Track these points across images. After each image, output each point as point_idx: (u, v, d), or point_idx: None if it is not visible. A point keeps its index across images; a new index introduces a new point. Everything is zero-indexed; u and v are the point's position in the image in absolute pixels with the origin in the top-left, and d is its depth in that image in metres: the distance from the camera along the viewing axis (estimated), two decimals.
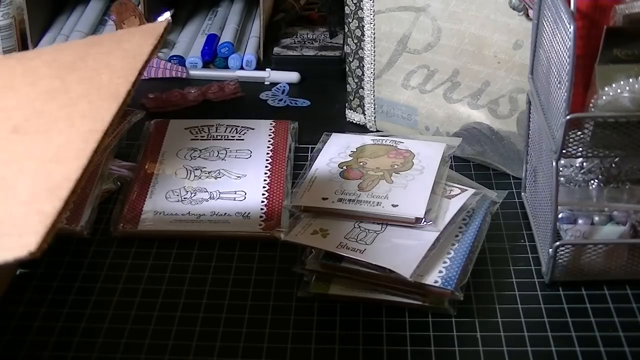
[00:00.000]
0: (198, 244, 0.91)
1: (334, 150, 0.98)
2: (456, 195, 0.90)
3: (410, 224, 0.86)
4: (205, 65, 1.26)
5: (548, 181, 0.82)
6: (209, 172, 1.00)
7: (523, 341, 0.78)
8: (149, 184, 0.98)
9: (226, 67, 1.26)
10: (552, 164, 0.79)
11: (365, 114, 1.11)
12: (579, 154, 0.78)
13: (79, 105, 0.64)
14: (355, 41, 1.07)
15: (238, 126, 1.08)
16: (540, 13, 0.84)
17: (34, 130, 0.62)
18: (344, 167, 0.95)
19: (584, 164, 0.88)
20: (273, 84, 1.22)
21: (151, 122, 1.10)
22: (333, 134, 1.02)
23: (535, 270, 0.86)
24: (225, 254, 0.89)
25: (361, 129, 1.11)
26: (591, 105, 0.76)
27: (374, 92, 1.08)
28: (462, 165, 1.03)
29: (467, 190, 0.91)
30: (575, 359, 0.76)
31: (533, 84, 0.88)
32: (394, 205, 0.88)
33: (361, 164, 0.95)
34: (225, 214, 0.93)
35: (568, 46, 0.73)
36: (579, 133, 0.77)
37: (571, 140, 0.77)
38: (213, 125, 1.08)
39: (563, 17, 0.74)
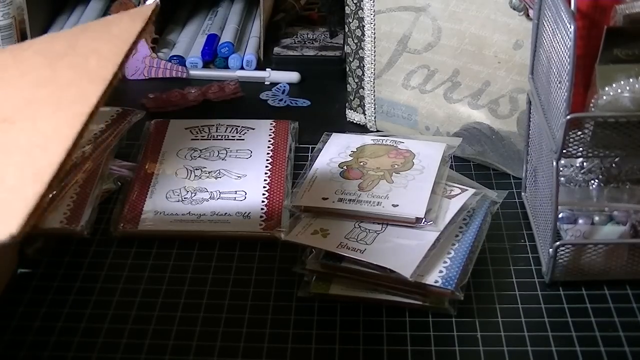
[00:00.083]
0: (198, 244, 0.91)
1: (334, 150, 0.98)
2: (456, 195, 0.90)
3: (410, 223, 0.86)
4: (206, 65, 1.26)
5: (548, 181, 0.82)
6: (209, 172, 1.00)
7: (523, 341, 0.78)
8: (149, 184, 0.98)
9: (226, 67, 1.26)
10: (553, 164, 0.79)
11: (365, 114, 1.11)
12: (579, 154, 0.78)
13: (67, 91, 0.64)
14: (356, 41, 1.07)
15: (238, 126, 1.08)
16: (541, 13, 0.84)
17: (23, 119, 0.63)
18: (344, 167, 0.95)
19: (584, 164, 0.88)
20: (273, 84, 1.22)
21: (151, 122, 1.10)
22: (333, 134, 1.02)
23: (535, 270, 0.86)
24: (226, 254, 0.89)
25: (361, 129, 1.11)
26: (591, 105, 0.76)
27: (374, 92, 1.08)
28: (462, 165, 1.03)
29: (467, 190, 0.91)
30: (575, 359, 0.76)
31: (533, 84, 0.88)
32: (394, 205, 0.88)
33: (361, 164, 0.95)
34: (226, 213, 0.93)
35: (568, 46, 0.73)
36: (579, 133, 0.77)
37: (571, 140, 0.77)
38: (213, 125, 1.08)
39: (563, 17, 0.74)
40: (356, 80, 1.10)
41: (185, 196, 0.96)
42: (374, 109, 1.09)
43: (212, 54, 1.26)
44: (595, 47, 0.76)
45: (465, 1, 0.96)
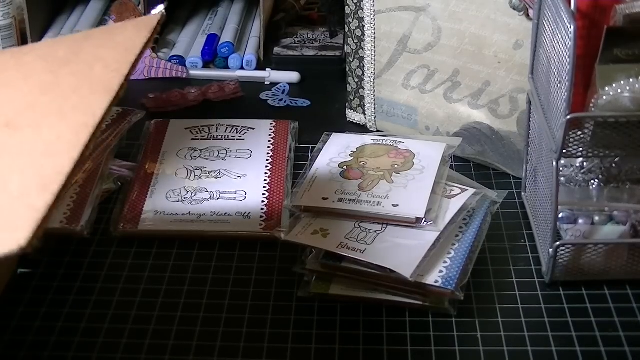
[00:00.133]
0: (198, 244, 0.91)
1: (334, 150, 0.98)
2: (456, 195, 0.90)
3: (410, 223, 0.86)
4: (206, 65, 1.26)
5: (548, 181, 0.82)
6: (209, 172, 1.00)
7: (523, 341, 0.78)
8: (149, 184, 0.98)
9: (226, 67, 1.26)
10: (553, 163, 0.79)
11: (365, 114, 1.11)
12: (579, 154, 0.78)
13: (71, 98, 0.64)
14: (356, 41, 1.07)
15: (238, 126, 1.08)
16: (541, 13, 0.84)
17: (26, 125, 0.62)
18: (344, 167, 0.95)
19: (584, 164, 0.88)
20: (273, 84, 1.22)
21: (151, 122, 1.10)
22: (333, 134, 1.02)
23: (535, 270, 0.86)
24: (226, 254, 0.89)
25: (361, 129, 1.11)
26: (591, 105, 0.76)
27: (374, 92, 1.08)
28: (462, 165, 1.03)
29: (467, 190, 0.91)
30: (575, 359, 0.76)
31: (533, 84, 0.88)
32: (394, 205, 0.88)
33: (361, 163, 0.95)
34: (226, 213, 0.93)
35: (568, 46, 0.73)
36: (579, 133, 0.77)
37: (571, 140, 0.77)
38: (213, 125, 1.08)
39: (563, 17, 0.74)
40: (356, 80, 1.10)
41: (185, 196, 0.96)
42: (374, 109, 1.09)
43: (212, 54, 1.26)
44: (595, 47, 0.76)
45: (465, 1, 0.96)
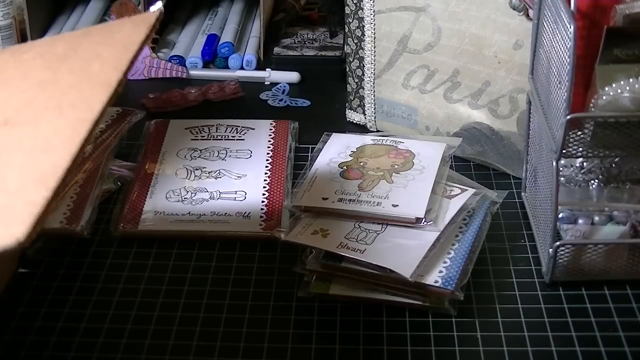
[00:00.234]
0: (198, 244, 0.91)
1: (334, 150, 0.98)
2: (456, 195, 0.90)
3: (410, 223, 0.86)
4: (206, 65, 1.26)
5: (548, 181, 0.82)
6: (209, 172, 1.00)
7: (523, 341, 0.78)
8: (149, 184, 0.98)
9: (226, 67, 1.26)
10: (552, 164, 0.79)
11: (365, 114, 1.11)
12: (579, 154, 0.78)
13: (69, 95, 0.64)
14: (356, 41, 1.07)
15: (238, 126, 1.08)
16: (541, 13, 0.84)
17: (24, 122, 0.63)
18: (344, 167, 0.95)
19: (584, 164, 0.88)
20: (273, 84, 1.22)
21: (151, 122, 1.10)
22: (333, 134, 1.02)
23: (535, 270, 0.86)
24: (226, 254, 0.89)
25: (361, 129, 1.11)
26: (591, 105, 0.76)
27: (374, 92, 1.08)
28: (462, 165, 1.03)
29: (467, 190, 0.91)
30: (575, 359, 0.76)
31: (533, 84, 0.88)
32: (394, 205, 0.88)
33: (361, 164, 0.95)
34: (226, 214, 0.93)
35: (568, 46, 0.73)
36: (579, 133, 0.77)
37: (571, 140, 0.77)
38: (213, 125, 1.08)
39: (563, 17, 0.74)
40: (356, 80, 1.10)
41: (185, 196, 0.96)
42: (374, 109, 1.09)
43: (212, 54, 1.26)
44: (595, 47, 0.76)
45: (465, 1, 0.96)
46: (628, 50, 0.75)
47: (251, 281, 0.86)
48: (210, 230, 0.91)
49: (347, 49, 1.09)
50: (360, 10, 1.04)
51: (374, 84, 1.07)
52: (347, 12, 1.06)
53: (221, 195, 0.96)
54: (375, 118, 1.10)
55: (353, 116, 1.12)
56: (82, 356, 0.77)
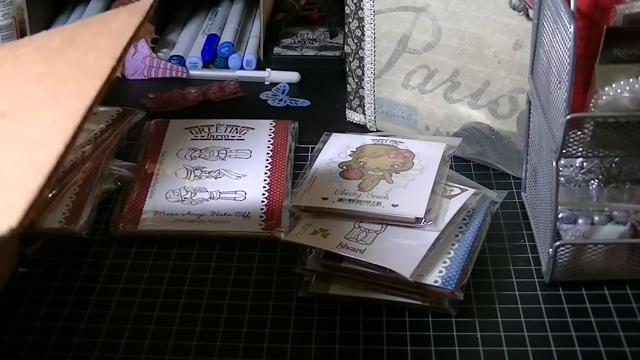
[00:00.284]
0: (198, 244, 0.91)
1: (334, 150, 0.98)
2: (456, 195, 0.90)
3: (410, 223, 0.86)
4: (206, 65, 1.26)
5: (548, 181, 0.82)
6: (209, 172, 1.00)
7: (523, 341, 0.78)
8: (149, 184, 0.98)
9: (226, 67, 1.26)
10: (552, 163, 0.79)
11: (365, 114, 1.11)
12: (579, 154, 0.78)
13: (65, 86, 0.64)
14: (356, 41, 1.07)
15: (238, 126, 1.08)
16: (541, 13, 0.84)
17: (21, 114, 0.63)
18: (344, 167, 0.95)
19: (584, 164, 0.88)
20: (273, 84, 1.22)
21: (151, 122, 1.10)
22: (333, 134, 1.02)
23: (535, 270, 0.86)
24: (226, 254, 0.89)
25: (361, 129, 1.11)
26: (591, 105, 0.76)
27: (374, 92, 1.08)
28: (462, 165, 1.03)
29: (467, 190, 0.91)
30: (575, 359, 0.76)
31: (533, 84, 0.88)
32: (394, 205, 0.88)
33: (361, 163, 0.95)
34: (226, 213, 0.93)
35: (568, 46, 0.73)
36: (579, 133, 0.77)
37: (571, 140, 0.77)
38: (213, 125, 1.08)
39: (563, 17, 0.74)
40: (356, 80, 1.10)
41: (185, 196, 0.96)
42: (374, 109, 1.09)
43: (212, 54, 1.26)
44: (595, 47, 0.76)
45: (465, 1, 0.96)
46: (628, 50, 0.75)
47: (251, 281, 0.86)
48: (210, 230, 0.91)
49: (347, 49, 1.09)
50: (360, 10, 1.04)
51: (373, 84, 1.07)
52: (347, 12, 1.06)
53: (221, 195, 0.96)
54: (375, 118, 1.10)
55: (353, 116, 1.12)
56: (82, 356, 0.77)
